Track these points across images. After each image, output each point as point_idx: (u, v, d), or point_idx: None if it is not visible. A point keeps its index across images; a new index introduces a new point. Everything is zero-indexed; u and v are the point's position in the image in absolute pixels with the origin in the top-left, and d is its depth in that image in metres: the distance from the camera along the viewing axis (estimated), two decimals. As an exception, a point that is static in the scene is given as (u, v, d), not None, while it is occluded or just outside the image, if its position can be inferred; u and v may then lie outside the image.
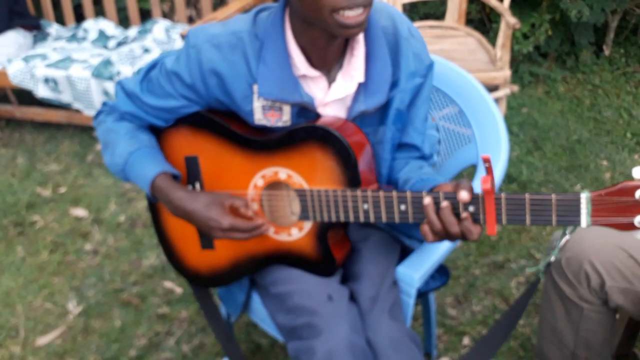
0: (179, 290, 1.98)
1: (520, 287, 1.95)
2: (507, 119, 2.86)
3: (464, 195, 0.93)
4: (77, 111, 2.81)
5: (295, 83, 1.08)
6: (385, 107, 1.13)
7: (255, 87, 1.09)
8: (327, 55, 1.08)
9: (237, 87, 1.10)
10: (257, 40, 1.07)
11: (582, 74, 3.30)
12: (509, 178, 2.47)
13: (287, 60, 1.07)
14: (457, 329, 1.81)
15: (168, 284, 2.01)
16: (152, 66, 1.19)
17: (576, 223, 0.90)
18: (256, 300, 1.30)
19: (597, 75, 3.28)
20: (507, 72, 2.38)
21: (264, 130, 1.14)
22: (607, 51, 3.39)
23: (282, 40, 1.06)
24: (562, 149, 2.67)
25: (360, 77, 1.09)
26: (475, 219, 0.95)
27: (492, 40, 2.98)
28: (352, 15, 0.96)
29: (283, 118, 1.11)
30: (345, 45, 1.10)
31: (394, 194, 1.00)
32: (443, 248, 1.27)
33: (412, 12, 3.33)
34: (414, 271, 1.23)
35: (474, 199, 0.94)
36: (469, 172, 1.60)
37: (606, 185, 2.43)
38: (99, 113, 1.27)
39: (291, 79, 1.07)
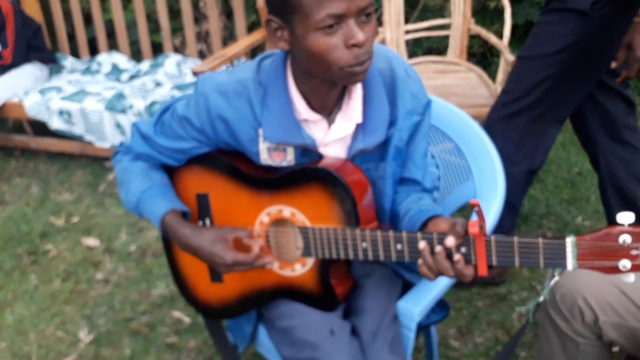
0: (187, 320, 2.03)
1: (522, 319, 1.98)
2: (509, 151, 2.91)
3: (449, 241, 0.98)
4: (90, 142, 2.90)
5: (297, 126, 1.14)
6: (384, 145, 1.18)
7: (261, 131, 1.15)
8: (326, 101, 1.15)
9: (243, 131, 1.17)
10: (261, 87, 1.14)
11: (583, 106, 3.36)
12: (510, 210, 2.51)
13: (290, 106, 1.13)
14: (459, 361, 1.85)
15: (176, 314, 2.06)
16: (165, 110, 1.26)
17: (562, 266, 0.93)
18: (262, 333, 1.35)
19: (598, 108, 3.33)
20: (507, 107, 2.44)
21: (269, 169, 1.20)
22: (607, 84, 3.45)
23: (284, 87, 1.13)
24: (563, 182, 2.71)
25: (358, 118, 1.15)
26: (467, 260, 0.99)
27: (494, 74, 3.05)
28: (359, 69, 1.03)
29: (287, 158, 1.17)
30: (343, 90, 1.16)
31: (391, 233, 1.05)
32: (442, 283, 1.30)
33: (415, 46, 3.42)
34: (414, 306, 1.27)
35: (466, 241, 0.99)
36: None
37: (606, 218, 2.47)
38: (116, 152, 1.34)
39: (293, 123, 1.13)
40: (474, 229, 0.95)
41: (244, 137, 1.17)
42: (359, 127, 1.16)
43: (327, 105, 1.15)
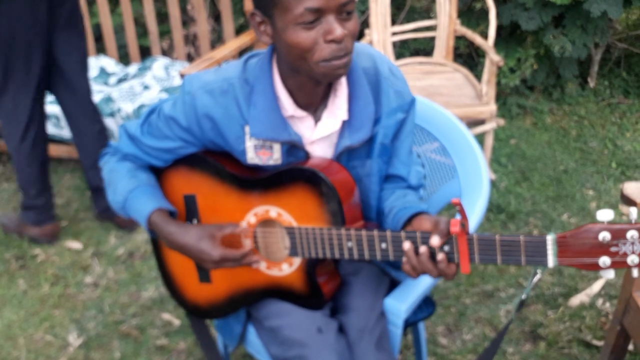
0: (177, 322, 2.04)
1: (509, 316, 2.00)
2: (496, 150, 2.94)
3: (434, 241, 1.00)
4: (79, 146, 2.89)
5: (284, 123, 1.15)
6: (370, 142, 1.20)
7: (247, 128, 1.17)
8: (312, 98, 1.16)
9: (230, 129, 1.18)
10: (247, 85, 1.15)
11: (568, 105, 3.40)
12: (497, 208, 2.54)
13: (276, 103, 1.14)
14: (448, 358, 1.86)
15: (166, 316, 2.06)
16: (152, 111, 1.27)
17: (543, 263, 0.94)
18: (252, 333, 1.36)
19: (582, 107, 3.38)
20: (492, 107, 2.48)
21: (256, 169, 1.21)
22: (592, 83, 3.50)
23: (270, 84, 1.14)
24: (549, 179, 2.75)
25: (343, 115, 1.16)
26: (450, 258, 1.01)
27: (480, 74, 3.09)
28: (337, 63, 1.05)
29: (274, 156, 1.18)
30: (329, 87, 1.17)
31: (376, 232, 1.07)
32: (428, 281, 1.33)
33: (402, 47, 3.45)
34: (401, 303, 1.28)
35: (448, 239, 1.00)
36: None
37: (592, 215, 2.51)
38: (104, 154, 1.34)
39: (280, 120, 1.15)
40: (455, 228, 0.96)
41: (230, 135, 1.18)
42: (345, 125, 1.17)
43: (313, 102, 1.17)
